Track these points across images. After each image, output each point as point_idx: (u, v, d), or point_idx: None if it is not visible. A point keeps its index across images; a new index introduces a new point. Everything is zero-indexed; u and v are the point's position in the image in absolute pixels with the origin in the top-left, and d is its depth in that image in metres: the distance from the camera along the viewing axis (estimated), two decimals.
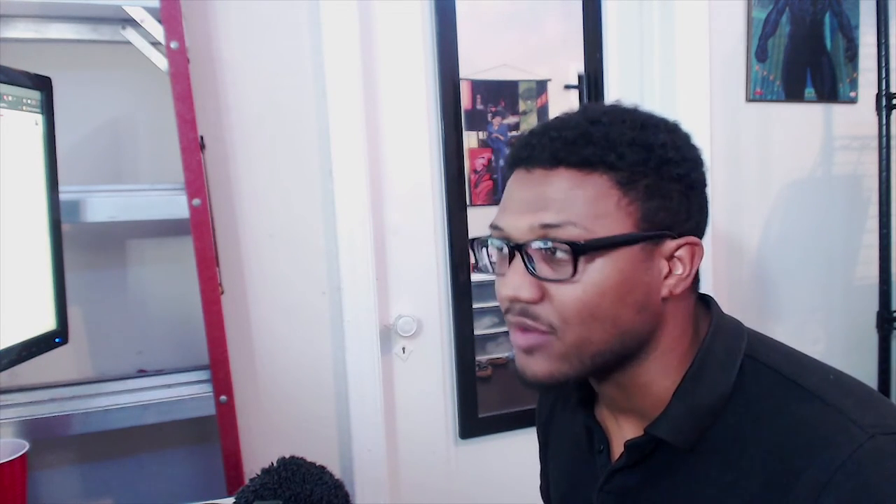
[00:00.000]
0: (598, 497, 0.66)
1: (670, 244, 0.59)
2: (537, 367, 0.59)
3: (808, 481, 0.50)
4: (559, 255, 0.56)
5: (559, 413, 0.79)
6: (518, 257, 0.58)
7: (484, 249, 0.65)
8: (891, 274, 1.62)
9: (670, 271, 0.59)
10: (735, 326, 0.63)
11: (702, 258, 0.60)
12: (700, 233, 0.61)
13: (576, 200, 0.56)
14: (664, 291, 0.59)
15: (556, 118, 0.62)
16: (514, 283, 0.58)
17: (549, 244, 0.57)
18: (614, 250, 0.56)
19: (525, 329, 0.59)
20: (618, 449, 0.66)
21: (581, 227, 0.56)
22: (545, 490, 0.87)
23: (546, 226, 0.57)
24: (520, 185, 0.60)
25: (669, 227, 0.58)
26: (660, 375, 0.61)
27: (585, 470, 0.71)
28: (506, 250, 0.60)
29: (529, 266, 0.58)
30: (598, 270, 0.56)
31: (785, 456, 0.53)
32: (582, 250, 0.55)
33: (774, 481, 0.53)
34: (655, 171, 0.57)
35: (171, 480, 1.31)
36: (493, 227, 0.62)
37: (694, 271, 0.60)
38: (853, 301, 1.82)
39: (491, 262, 0.65)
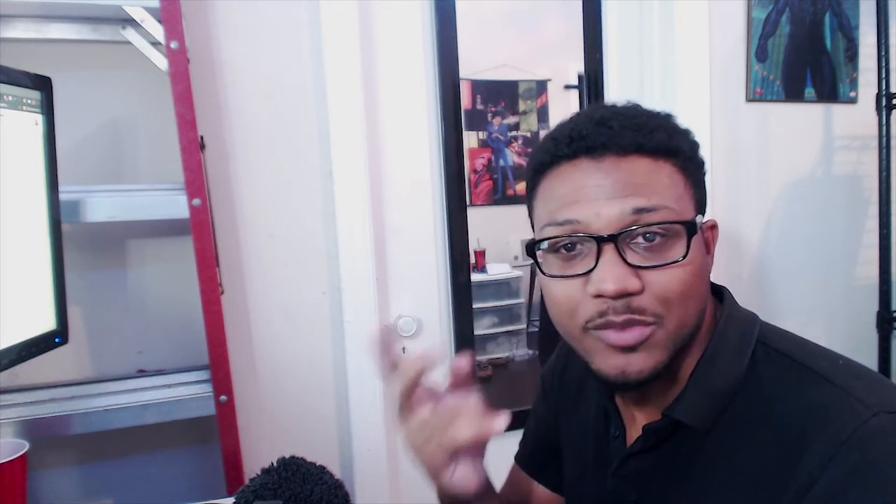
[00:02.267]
0: (611, 481, 0.67)
1: (703, 225, 0.62)
2: (643, 362, 0.57)
3: (813, 456, 0.52)
4: (659, 239, 0.56)
5: (574, 395, 0.80)
6: (611, 248, 0.55)
7: (539, 251, 0.61)
8: (891, 274, 1.62)
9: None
10: (748, 315, 0.65)
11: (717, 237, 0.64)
12: None
13: (659, 184, 0.57)
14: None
15: (595, 111, 0.60)
16: (615, 275, 0.55)
17: (656, 228, 0.55)
18: (699, 229, 0.59)
19: (626, 326, 0.56)
20: (632, 435, 0.67)
21: (673, 210, 0.56)
22: (526, 461, 0.88)
23: (639, 210, 0.55)
24: (590, 174, 0.57)
25: (703, 209, 0.62)
26: (689, 358, 0.62)
27: (599, 454, 0.72)
28: (588, 245, 0.57)
29: (624, 256, 0.56)
30: (696, 249, 0.58)
31: (794, 435, 0.54)
32: (694, 230, 0.57)
33: (783, 459, 0.54)
34: (694, 157, 0.61)
35: (171, 480, 1.31)
36: (564, 222, 0.58)
37: (715, 249, 0.64)
38: (853, 301, 1.82)
39: (539, 262, 0.61)
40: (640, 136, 0.57)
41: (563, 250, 0.59)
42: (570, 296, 0.58)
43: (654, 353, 0.57)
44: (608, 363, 0.58)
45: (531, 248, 0.61)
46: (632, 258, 0.56)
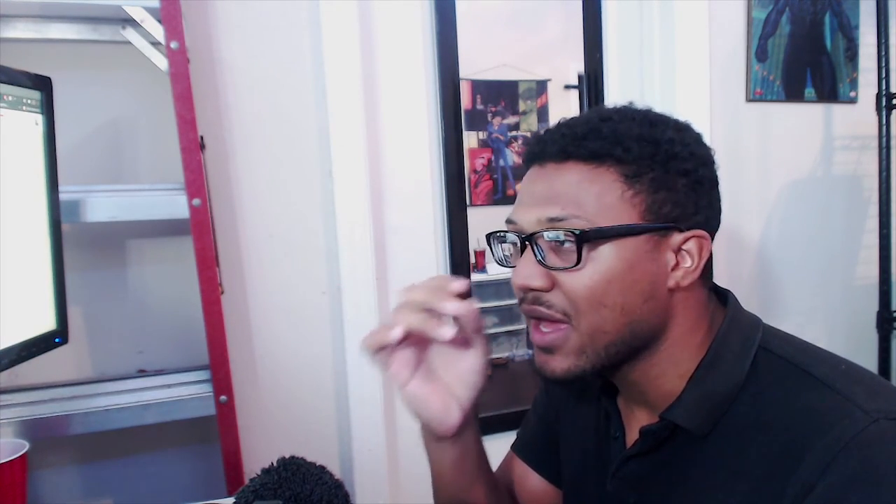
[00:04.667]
0: (611, 483, 0.68)
1: (678, 237, 0.60)
2: (556, 364, 0.61)
3: (812, 461, 0.51)
4: (566, 244, 0.59)
5: (577, 394, 0.79)
6: (528, 248, 0.61)
7: (499, 245, 0.68)
8: (891, 274, 1.62)
9: (678, 263, 0.61)
10: (751, 319, 0.65)
11: (710, 252, 0.62)
12: (710, 228, 0.63)
13: (581, 194, 0.59)
14: (671, 282, 0.61)
15: (571, 117, 0.65)
16: (524, 272, 0.60)
17: (554, 234, 0.59)
18: (617, 239, 0.58)
19: (539, 322, 0.62)
20: (632, 437, 0.67)
21: (584, 219, 0.58)
22: (521, 446, 0.88)
23: (551, 219, 0.59)
24: (532, 181, 0.63)
25: (676, 220, 0.60)
26: (671, 367, 0.62)
27: (599, 455, 0.72)
28: (518, 243, 0.63)
29: (539, 256, 0.60)
30: (602, 258, 0.58)
31: (793, 440, 0.54)
32: (584, 238, 0.58)
33: (781, 464, 0.54)
34: (662, 166, 0.59)
35: (171, 480, 1.31)
36: (508, 221, 0.64)
37: (702, 264, 0.61)
38: (853, 301, 1.82)
39: (506, 256, 0.68)
40: (570, 144, 0.60)
41: (513, 245, 0.66)
42: (512, 280, 0.64)
43: (568, 357, 0.61)
44: (535, 359, 0.64)
45: (488, 238, 0.69)
46: (549, 259, 0.60)
